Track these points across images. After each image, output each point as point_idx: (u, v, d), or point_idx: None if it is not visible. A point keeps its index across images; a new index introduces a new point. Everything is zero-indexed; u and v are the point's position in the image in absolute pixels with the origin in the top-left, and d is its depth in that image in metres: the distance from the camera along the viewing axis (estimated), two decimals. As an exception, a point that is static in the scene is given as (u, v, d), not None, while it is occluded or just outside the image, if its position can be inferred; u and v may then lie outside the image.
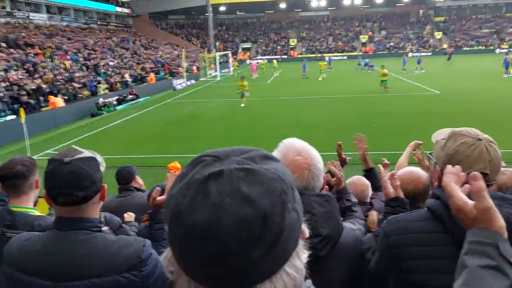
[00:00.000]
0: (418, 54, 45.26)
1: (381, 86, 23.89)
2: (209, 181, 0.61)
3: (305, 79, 34.26)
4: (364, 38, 67.62)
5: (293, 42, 68.94)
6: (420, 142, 3.52)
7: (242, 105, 20.78)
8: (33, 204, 2.29)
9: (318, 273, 1.41)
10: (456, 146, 1.48)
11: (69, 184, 1.45)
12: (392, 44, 65.70)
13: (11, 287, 1.52)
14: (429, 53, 59.28)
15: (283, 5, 68.84)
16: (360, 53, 57.76)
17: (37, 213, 2.24)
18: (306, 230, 0.69)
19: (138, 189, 3.97)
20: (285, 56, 64.38)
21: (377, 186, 3.21)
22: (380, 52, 62.60)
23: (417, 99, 20.95)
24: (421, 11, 72.94)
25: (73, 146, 1.56)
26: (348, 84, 28.55)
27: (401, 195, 1.94)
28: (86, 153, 1.54)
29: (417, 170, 2.32)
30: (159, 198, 2.00)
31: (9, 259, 1.53)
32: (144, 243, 1.55)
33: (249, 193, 0.59)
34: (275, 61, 46.65)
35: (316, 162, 1.50)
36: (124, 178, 3.85)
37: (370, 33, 68.82)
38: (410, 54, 57.64)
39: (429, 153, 1.75)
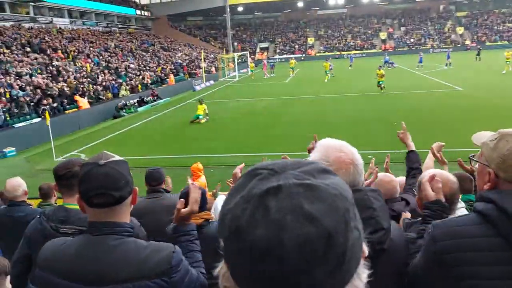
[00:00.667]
0: (447, 50, 43.23)
1: (378, 87, 22.94)
2: (267, 196, 0.58)
3: (340, 78, 32.98)
4: (383, 35, 66.72)
5: (311, 40, 68.54)
6: (443, 143, 3.46)
7: (203, 119, 18.25)
8: None
9: (383, 267, 1.39)
10: (511, 146, 1.44)
11: (106, 184, 1.47)
12: (412, 40, 64.63)
13: None
14: (451, 49, 58.08)
15: (300, 4, 68.50)
16: (386, 51, 56.59)
17: None
18: (365, 249, 0.66)
19: (167, 191, 3.99)
20: (303, 55, 63.95)
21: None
22: (401, 49, 61.67)
23: (439, 96, 20.57)
24: (441, 7, 71.52)
25: (105, 151, 1.61)
26: (367, 82, 28.21)
27: (442, 198, 1.89)
28: (118, 157, 1.58)
29: (444, 171, 2.27)
30: (183, 210, 1.92)
31: (44, 262, 1.57)
32: (173, 249, 1.57)
33: (311, 211, 0.56)
34: (292, 60, 43.31)
35: (358, 157, 1.50)
36: (155, 179, 3.85)
37: (390, 29, 67.87)
38: (431, 50, 56.61)
39: (472, 155, 1.70)
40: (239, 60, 45.00)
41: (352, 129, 13.80)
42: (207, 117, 18.33)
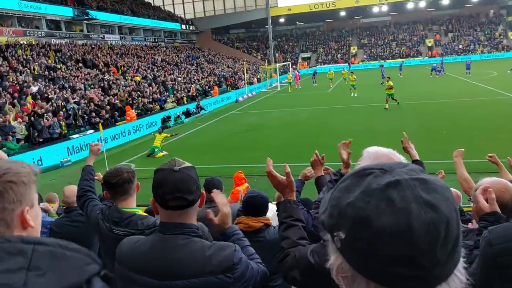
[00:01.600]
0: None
1: (388, 100, 21.01)
2: (388, 189, 0.66)
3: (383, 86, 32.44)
4: (430, 42, 64.86)
5: (353, 49, 67.84)
6: (462, 149, 3.47)
7: (164, 152, 15.59)
8: (135, 205, 2.62)
9: None
10: None
11: (181, 188, 1.62)
12: (461, 47, 62.33)
13: (123, 283, 1.74)
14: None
15: (343, 13, 68.14)
16: (440, 56, 54.69)
17: (140, 212, 2.55)
18: None
19: None
20: (349, 65, 62.89)
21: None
22: (449, 56, 59.64)
23: (489, 104, 19.70)
24: (491, 11, 68.54)
25: (175, 158, 1.76)
26: (414, 90, 27.49)
27: (497, 209, 1.90)
28: (187, 163, 1.73)
29: (502, 179, 2.27)
30: (216, 218, 2.02)
31: (121, 259, 1.75)
32: (235, 248, 1.71)
33: (430, 200, 0.64)
34: (331, 71, 39.55)
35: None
36: (216, 187, 3.95)
37: (437, 36, 65.88)
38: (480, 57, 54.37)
39: None
40: (281, 71, 45.35)
41: (397, 139, 13.53)
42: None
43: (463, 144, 12.21)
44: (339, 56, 67.11)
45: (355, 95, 27.50)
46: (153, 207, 1.73)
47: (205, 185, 3.98)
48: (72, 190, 4.15)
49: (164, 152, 15.54)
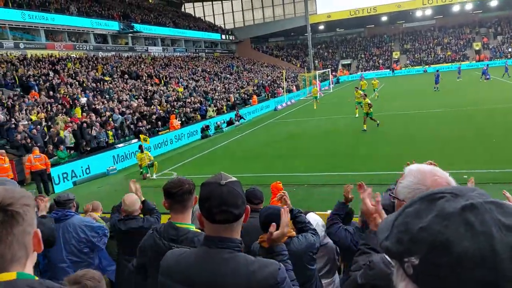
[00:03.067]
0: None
1: (368, 120, 18.40)
2: (465, 212, 0.65)
3: (437, 92, 30.73)
4: (477, 45, 62.19)
5: (396, 55, 66.24)
6: None
7: (153, 176, 14.62)
8: (190, 220, 2.63)
9: None
10: None
11: (228, 202, 1.63)
12: (510, 50, 59.29)
13: None
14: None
15: (385, 18, 66.81)
16: (485, 61, 52.37)
17: (194, 229, 2.57)
18: None
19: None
20: (393, 71, 61.25)
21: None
22: (498, 59, 56.92)
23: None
24: (546, 11, 64.83)
25: (222, 172, 1.76)
26: (461, 96, 26.42)
27: None
28: (233, 177, 1.74)
29: None
30: (276, 233, 2.05)
31: (165, 271, 1.77)
32: (279, 266, 1.68)
33: (509, 223, 0.63)
34: (364, 80, 31.57)
35: (451, 179, 1.54)
36: (258, 198, 3.89)
37: (485, 39, 63.10)
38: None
39: None
40: (321, 78, 45.08)
41: (444, 147, 13.03)
42: (153, 174, 14.61)
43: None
44: (380, 62, 65.77)
45: (356, 115, 22.47)
46: (199, 221, 1.75)
47: (246, 196, 3.97)
48: (133, 199, 4.26)
49: (153, 176, 14.63)
